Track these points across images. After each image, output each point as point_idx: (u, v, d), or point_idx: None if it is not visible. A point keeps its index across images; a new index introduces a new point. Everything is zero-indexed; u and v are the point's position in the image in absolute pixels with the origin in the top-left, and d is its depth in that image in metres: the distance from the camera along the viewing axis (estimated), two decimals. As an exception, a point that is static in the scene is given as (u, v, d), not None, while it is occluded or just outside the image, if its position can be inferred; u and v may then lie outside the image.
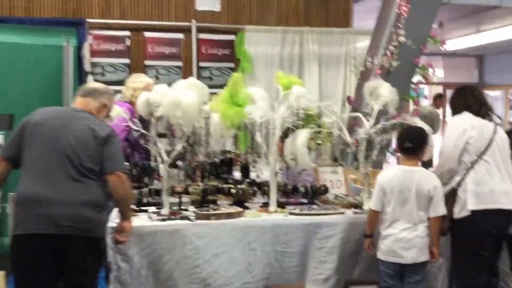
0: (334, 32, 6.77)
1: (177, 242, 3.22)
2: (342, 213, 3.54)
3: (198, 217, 3.31)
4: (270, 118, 3.49)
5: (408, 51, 5.21)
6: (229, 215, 3.32)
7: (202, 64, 6.61)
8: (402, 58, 5.26)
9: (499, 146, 3.24)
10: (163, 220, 3.27)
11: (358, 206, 3.66)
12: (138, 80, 4.56)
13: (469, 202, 3.14)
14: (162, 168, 3.39)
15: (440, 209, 3.10)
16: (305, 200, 3.82)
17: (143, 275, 3.21)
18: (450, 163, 3.23)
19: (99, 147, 2.84)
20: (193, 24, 6.45)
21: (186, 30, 6.48)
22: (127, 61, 6.39)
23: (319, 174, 4.00)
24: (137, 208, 3.53)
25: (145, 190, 3.57)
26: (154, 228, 3.22)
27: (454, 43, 11.76)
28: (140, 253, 3.20)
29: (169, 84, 6.29)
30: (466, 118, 3.30)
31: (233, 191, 3.64)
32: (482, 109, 3.30)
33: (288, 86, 3.66)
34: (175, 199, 3.65)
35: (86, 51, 6.09)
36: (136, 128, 3.42)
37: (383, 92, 3.84)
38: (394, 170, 3.20)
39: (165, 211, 3.39)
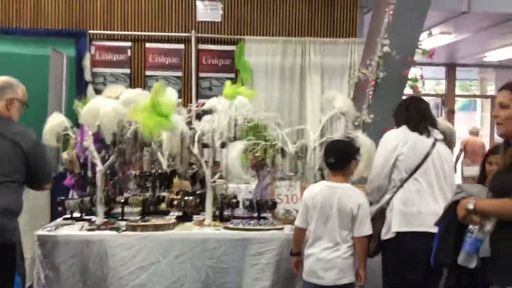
0: (338, 42, 6.58)
1: (104, 252, 3.20)
2: (281, 229, 3.39)
3: (127, 228, 3.27)
4: (207, 129, 3.41)
5: (398, 62, 4.98)
6: (157, 227, 3.26)
7: (202, 74, 6.62)
8: (391, 69, 5.04)
9: (435, 164, 2.97)
10: (92, 230, 3.26)
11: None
12: (112, 91, 4.60)
13: (394, 223, 2.90)
14: (98, 177, 3.39)
15: (365, 229, 2.89)
16: (255, 215, 3.70)
17: (70, 284, 3.21)
18: (379, 180, 3.01)
19: (23, 159, 2.87)
20: (193, 34, 6.48)
21: (187, 41, 6.52)
22: (128, 71, 6.51)
23: (274, 188, 3.86)
24: (78, 217, 3.55)
25: (86, 199, 3.57)
26: (81, 237, 3.22)
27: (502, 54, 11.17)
28: (67, 262, 3.20)
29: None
30: (400, 132, 3.07)
31: (175, 202, 3.58)
32: (422, 124, 3.05)
33: (232, 97, 3.56)
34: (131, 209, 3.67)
35: (87, 61, 6.27)
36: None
37: (337, 104, 3.67)
38: (319, 186, 3.02)
39: (99, 221, 3.38)
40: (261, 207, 3.63)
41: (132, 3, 6.47)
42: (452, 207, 2.46)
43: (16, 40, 6.13)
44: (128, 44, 6.50)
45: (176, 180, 3.88)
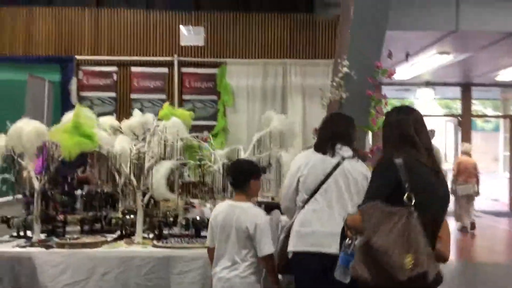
0: (319, 64, 6.62)
1: (33, 269, 3.30)
2: (206, 247, 3.42)
3: (56, 245, 3.38)
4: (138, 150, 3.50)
5: (360, 82, 4.98)
6: (84, 245, 3.35)
7: (185, 97, 6.77)
8: (354, 89, 5.04)
9: (338, 183, 2.95)
10: (23, 247, 3.38)
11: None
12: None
13: (290, 243, 2.92)
14: (35, 197, 3.52)
15: (265, 249, 2.89)
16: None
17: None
18: (285, 201, 3.05)
19: None
20: (176, 58, 6.65)
21: (170, 64, 6.70)
22: (114, 94, 6.73)
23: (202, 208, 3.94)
24: (22, 235, 3.68)
25: (29, 217, 3.70)
26: (12, 254, 3.33)
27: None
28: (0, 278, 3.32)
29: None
30: (304, 155, 3.08)
31: (113, 221, 3.67)
32: (327, 143, 3.01)
33: (168, 118, 3.66)
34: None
35: (73, 86, 6.52)
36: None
37: (273, 123, 3.72)
38: (222, 205, 3.05)
39: (34, 238, 3.50)
40: (197, 226, 3.68)
41: (118, 29, 6.72)
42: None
43: (10, 67, 6.44)
44: (114, 68, 6.73)
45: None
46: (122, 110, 6.63)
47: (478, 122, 25.98)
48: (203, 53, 6.74)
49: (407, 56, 9.10)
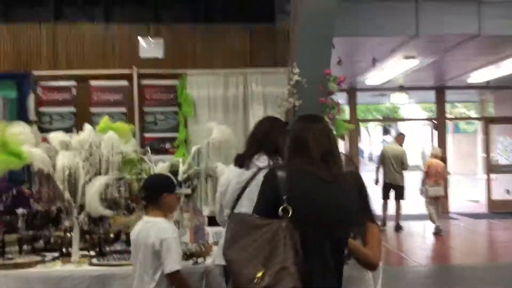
0: (279, 72, 6.58)
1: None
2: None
3: (-11, 267, 3.29)
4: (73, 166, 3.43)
5: (312, 90, 4.98)
6: (17, 266, 3.28)
7: (147, 109, 6.70)
8: (306, 97, 5.04)
9: (250, 196, 2.92)
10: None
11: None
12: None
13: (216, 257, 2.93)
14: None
15: (169, 266, 2.83)
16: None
17: None
18: (217, 216, 3.05)
19: None
20: (134, 70, 6.59)
21: (130, 77, 6.63)
22: (73, 109, 6.64)
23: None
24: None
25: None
26: None
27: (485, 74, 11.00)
28: None
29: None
30: (227, 170, 3.12)
31: (52, 240, 3.60)
32: (241, 157, 3.03)
33: (105, 132, 3.60)
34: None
35: (30, 102, 6.42)
36: None
37: (213, 134, 3.68)
38: (140, 222, 3.02)
39: (-32, 260, 3.41)
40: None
41: (75, 43, 6.65)
42: None
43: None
44: (73, 83, 6.64)
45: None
46: (82, 124, 6.51)
47: (462, 124, 26.15)
48: (163, 65, 6.68)
49: (374, 61, 9.15)
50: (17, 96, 6.34)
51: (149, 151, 4.00)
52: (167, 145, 6.66)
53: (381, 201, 10.42)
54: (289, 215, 2.07)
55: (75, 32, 6.68)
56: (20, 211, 3.90)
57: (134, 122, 6.60)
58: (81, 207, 3.39)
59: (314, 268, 2.13)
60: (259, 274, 1.97)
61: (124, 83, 6.67)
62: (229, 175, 3.17)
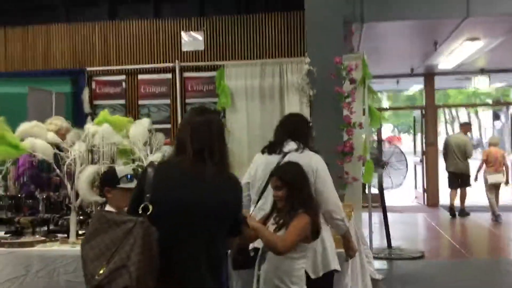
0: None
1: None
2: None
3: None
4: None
5: (325, 79, 4.95)
6: (21, 244, 3.69)
7: (188, 100, 7.02)
8: (320, 86, 5.02)
9: None
10: (-25, 246, 3.79)
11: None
12: (52, 122, 5.16)
13: None
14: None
15: None
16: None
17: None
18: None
19: None
20: (177, 64, 6.92)
21: (173, 70, 6.98)
22: (123, 101, 7.14)
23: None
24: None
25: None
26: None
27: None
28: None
29: (160, 121, 6.83)
30: (255, 158, 3.36)
31: (59, 222, 4.00)
32: (272, 143, 3.27)
33: (101, 123, 3.91)
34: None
35: (85, 96, 7.01)
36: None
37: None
38: None
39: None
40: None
41: (124, 40, 7.12)
42: None
43: (30, 81, 7.05)
44: (123, 77, 7.13)
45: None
46: (131, 116, 6.98)
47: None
48: (203, 57, 6.94)
49: (436, 44, 8.76)
50: (72, 91, 6.94)
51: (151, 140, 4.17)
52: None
53: (449, 190, 10.10)
54: (148, 213, 2.07)
55: (125, 30, 7.15)
56: (41, 195, 4.36)
57: (177, 113, 6.96)
58: (77, 194, 3.74)
59: (176, 265, 2.13)
60: (101, 271, 1.99)
61: (168, 76, 7.03)
62: (256, 164, 3.34)
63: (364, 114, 5.84)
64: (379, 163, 7.29)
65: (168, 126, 7.00)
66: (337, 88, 4.95)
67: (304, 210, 2.75)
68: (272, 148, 3.30)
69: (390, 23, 7.34)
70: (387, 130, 29.05)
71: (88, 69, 7.08)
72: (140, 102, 7.12)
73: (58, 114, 6.55)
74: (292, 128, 3.34)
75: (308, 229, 2.76)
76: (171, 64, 6.96)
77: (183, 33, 7.00)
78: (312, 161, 3.17)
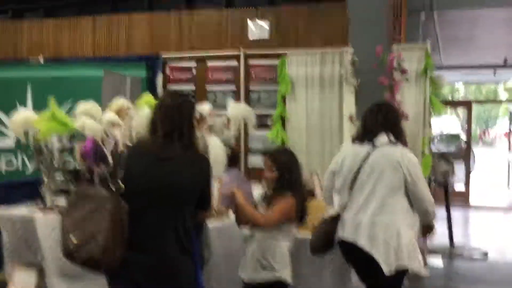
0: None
1: (34, 227, 4.29)
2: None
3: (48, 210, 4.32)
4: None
5: (369, 69, 4.97)
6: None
7: (252, 87, 7.28)
8: (364, 76, 5.05)
9: (364, 173, 3.21)
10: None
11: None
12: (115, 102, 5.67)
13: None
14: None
15: None
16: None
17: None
18: (325, 192, 3.56)
19: None
20: (242, 51, 7.21)
21: (238, 58, 7.28)
22: (193, 87, 7.58)
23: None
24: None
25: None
26: (17, 215, 4.38)
27: None
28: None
29: (225, 107, 7.22)
30: (343, 148, 3.52)
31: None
32: (361, 134, 3.35)
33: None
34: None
35: (159, 80, 7.54)
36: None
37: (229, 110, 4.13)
38: None
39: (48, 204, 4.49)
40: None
41: (197, 27, 7.54)
42: None
43: (113, 66, 7.73)
44: (193, 64, 7.57)
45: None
46: (200, 101, 7.39)
47: None
48: (267, 45, 7.16)
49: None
50: (147, 76, 7.50)
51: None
52: (269, 122, 7.17)
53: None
54: (120, 190, 2.35)
55: (197, 18, 7.57)
56: (96, 170, 4.90)
57: (240, 99, 7.26)
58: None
59: (144, 236, 2.38)
60: (75, 241, 2.27)
61: (234, 63, 7.34)
62: (344, 154, 3.42)
63: (425, 105, 5.72)
64: (445, 158, 7.10)
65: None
66: (382, 79, 4.95)
67: (292, 193, 2.91)
68: (362, 137, 3.35)
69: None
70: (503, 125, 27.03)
71: (164, 55, 7.59)
72: (208, 88, 7.52)
73: (133, 97, 7.16)
74: (384, 118, 3.31)
75: (292, 211, 2.92)
76: (236, 52, 7.26)
77: (249, 22, 7.25)
78: (404, 157, 3.20)
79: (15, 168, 7.03)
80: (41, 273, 4.45)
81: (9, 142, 6.98)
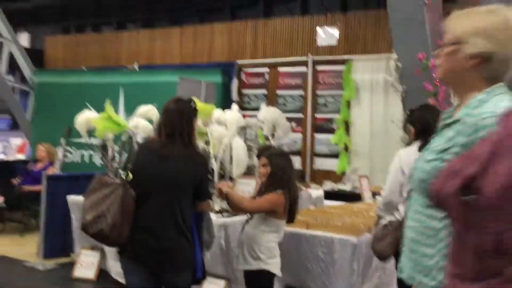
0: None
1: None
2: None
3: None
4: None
5: (413, 75, 4.97)
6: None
7: (319, 92, 7.48)
8: (409, 82, 5.06)
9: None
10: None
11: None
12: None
13: None
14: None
15: None
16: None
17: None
18: (390, 196, 3.21)
19: None
20: (309, 58, 7.44)
21: (306, 64, 7.51)
22: (265, 91, 7.97)
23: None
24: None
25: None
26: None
27: None
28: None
29: (293, 111, 7.52)
30: (408, 152, 3.13)
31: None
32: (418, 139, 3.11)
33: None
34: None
35: (234, 85, 8.04)
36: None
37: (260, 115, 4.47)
38: None
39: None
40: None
41: (270, 35, 7.91)
42: None
43: (194, 73, 8.37)
44: (266, 69, 7.95)
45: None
46: (270, 105, 7.77)
47: None
48: (335, 51, 7.31)
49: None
50: (222, 81, 8.02)
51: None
52: (334, 125, 7.31)
53: None
54: (129, 180, 2.80)
55: (271, 26, 7.94)
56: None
57: (307, 103, 7.49)
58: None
59: (147, 219, 2.77)
60: (89, 218, 2.74)
61: (303, 69, 7.60)
62: (405, 160, 3.09)
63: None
64: None
65: (300, 115, 7.60)
66: (425, 84, 4.93)
67: (282, 191, 3.17)
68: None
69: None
70: None
71: (239, 62, 8.07)
72: (278, 92, 7.85)
73: (207, 102, 7.72)
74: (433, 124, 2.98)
75: (280, 205, 3.17)
76: (305, 58, 7.50)
77: (318, 29, 7.47)
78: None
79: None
80: (102, 255, 5.13)
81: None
